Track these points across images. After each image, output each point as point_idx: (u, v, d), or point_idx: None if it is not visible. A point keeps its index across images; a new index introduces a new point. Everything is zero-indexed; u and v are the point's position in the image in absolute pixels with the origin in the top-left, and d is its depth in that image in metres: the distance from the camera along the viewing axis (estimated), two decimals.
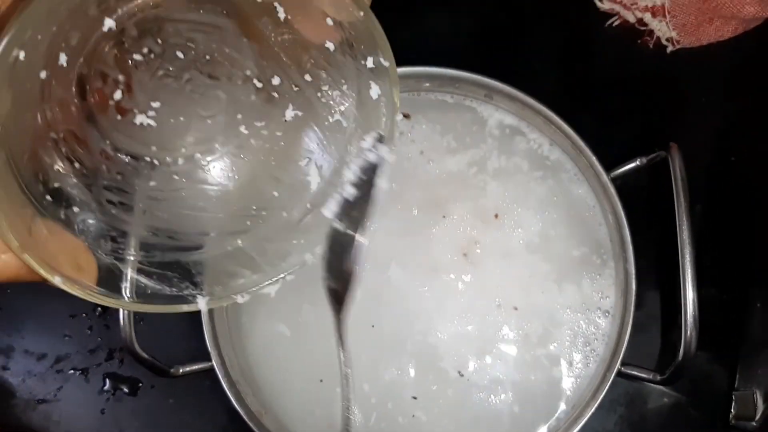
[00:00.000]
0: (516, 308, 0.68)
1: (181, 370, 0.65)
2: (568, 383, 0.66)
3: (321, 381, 0.69)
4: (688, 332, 0.57)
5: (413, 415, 0.67)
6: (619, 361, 0.62)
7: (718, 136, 0.79)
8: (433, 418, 0.67)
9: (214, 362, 0.65)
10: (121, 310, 0.59)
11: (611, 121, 0.80)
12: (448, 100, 0.74)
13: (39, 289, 0.80)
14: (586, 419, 0.61)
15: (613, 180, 0.65)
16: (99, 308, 0.81)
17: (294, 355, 0.70)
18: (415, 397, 0.67)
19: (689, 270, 0.58)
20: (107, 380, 0.79)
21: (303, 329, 0.70)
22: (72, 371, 0.80)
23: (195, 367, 0.65)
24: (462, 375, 0.67)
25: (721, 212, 0.76)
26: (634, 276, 0.64)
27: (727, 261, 0.74)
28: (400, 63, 0.72)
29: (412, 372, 0.68)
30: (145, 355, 0.61)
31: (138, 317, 0.64)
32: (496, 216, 0.69)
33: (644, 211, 0.71)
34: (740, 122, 0.80)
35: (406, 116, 0.73)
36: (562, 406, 0.66)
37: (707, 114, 0.80)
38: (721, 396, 0.70)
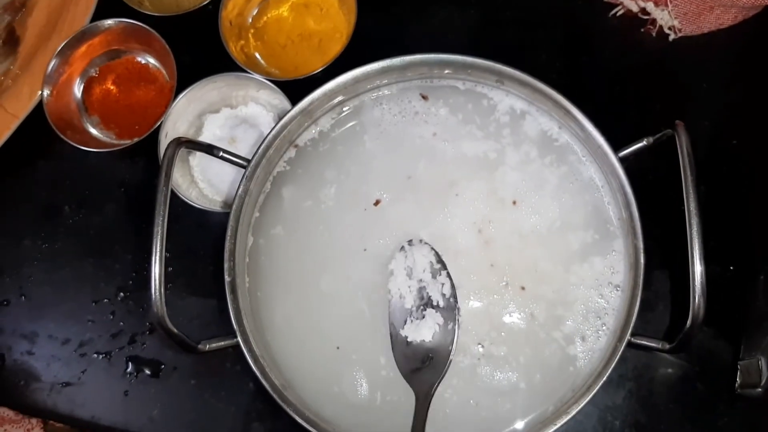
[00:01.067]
0: (528, 287, 0.70)
1: (208, 346, 0.67)
2: (580, 356, 0.68)
3: (338, 348, 0.72)
4: (696, 300, 0.59)
5: None
6: (629, 332, 0.64)
7: (720, 121, 0.82)
8: (449, 393, 0.69)
9: (239, 338, 0.67)
10: (152, 289, 0.61)
11: (616, 108, 0.83)
12: (459, 87, 0.76)
13: (61, 276, 0.83)
14: (597, 389, 0.63)
15: (621, 160, 0.68)
16: (121, 294, 0.83)
17: (311, 326, 0.73)
18: None
19: (696, 240, 0.60)
20: (130, 363, 0.81)
21: (319, 299, 0.73)
22: (95, 355, 0.82)
23: (221, 343, 0.67)
24: (480, 349, 0.69)
25: (724, 193, 0.79)
26: (642, 250, 0.66)
27: (730, 239, 0.77)
28: (413, 52, 0.75)
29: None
30: (176, 330, 0.63)
31: None
32: (514, 203, 0.72)
33: (651, 190, 0.73)
34: (741, 107, 0.83)
35: (424, 97, 0.76)
36: (575, 379, 0.68)
37: (709, 99, 0.83)
38: (726, 368, 0.72)
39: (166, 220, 0.62)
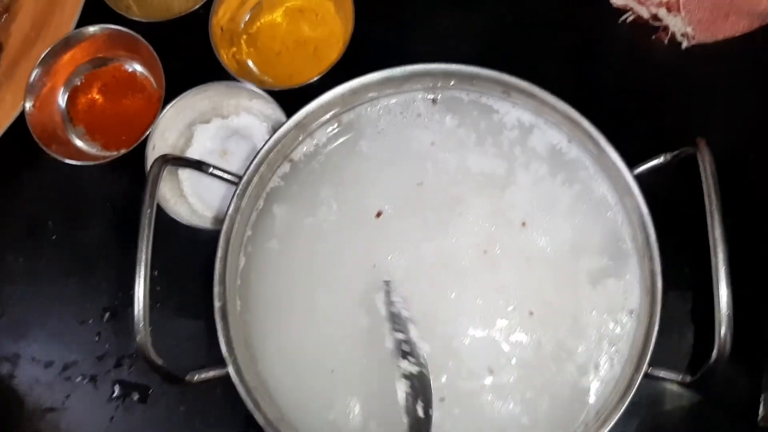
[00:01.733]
0: (537, 311, 0.67)
1: (195, 377, 0.63)
2: (593, 386, 0.64)
3: (332, 372, 0.68)
4: (723, 333, 0.56)
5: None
6: (646, 363, 0.61)
7: (735, 133, 0.78)
8: (448, 425, 0.66)
9: (230, 369, 0.63)
10: (135, 315, 0.57)
11: (627, 118, 0.78)
12: (463, 98, 0.72)
13: (45, 294, 0.79)
14: (613, 422, 0.60)
15: (636, 178, 0.64)
16: (107, 314, 0.79)
17: (304, 347, 0.69)
18: (442, 399, 0.66)
19: (722, 269, 0.56)
20: (117, 387, 0.77)
21: (314, 318, 0.70)
22: (80, 378, 0.78)
23: (210, 374, 0.64)
24: (485, 379, 0.66)
25: (740, 210, 0.75)
26: (660, 275, 0.62)
27: (747, 259, 0.73)
28: (415, 60, 0.72)
29: (443, 378, 0.66)
30: (159, 362, 0.59)
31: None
32: (524, 224, 0.68)
33: (664, 207, 0.69)
34: (758, 118, 0.79)
35: (433, 101, 0.72)
36: (588, 410, 0.64)
37: (723, 110, 0.79)
38: (745, 396, 0.69)
39: (150, 244, 0.59)
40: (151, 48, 0.78)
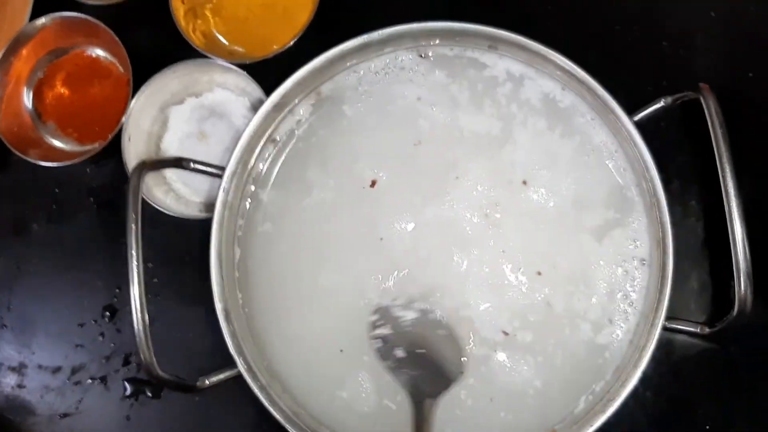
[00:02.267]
0: (545, 271, 0.65)
1: (207, 382, 0.62)
2: (609, 343, 0.63)
3: (341, 351, 0.66)
4: (743, 284, 0.54)
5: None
6: (662, 317, 0.59)
7: (732, 63, 0.74)
8: (463, 394, 0.64)
9: (241, 369, 0.62)
10: (137, 338, 0.55)
11: (622, 56, 0.74)
12: (447, 53, 0.68)
13: (41, 299, 0.77)
14: (633, 383, 0.58)
15: (637, 124, 0.61)
16: (107, 313, 0.77)
17: (310, 329, 0.68)
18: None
19: (737, 220, 0.54)
20: (128, 385, 0.76)
21: (319, 297, 0.68)
22: (90, 381, 0.77)
23: (221, 376, 0.62)
24: (499, 342, 0.64)
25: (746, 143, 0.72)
26: (669, 222, 0.60)
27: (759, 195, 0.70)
28: (392, 12, 0.67)
29: None
30: (167, 377, 0.58)
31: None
32: (524, 182, 0.65)
33: (669, 153, 0.66)
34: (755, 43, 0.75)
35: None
36: (606, 368, 0.63)
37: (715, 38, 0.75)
38: (763, 332, 0.67)
39: (141, 262, 0.56)
40: (109, 30, 0.74)
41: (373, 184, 0.68)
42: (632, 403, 0.68)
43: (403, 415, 0.62)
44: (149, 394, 0.76)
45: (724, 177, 0.54)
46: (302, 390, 0.66)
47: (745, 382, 0.69)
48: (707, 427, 0.69)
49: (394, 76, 0.69)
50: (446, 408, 0.61)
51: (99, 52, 0.79)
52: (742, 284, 0.54)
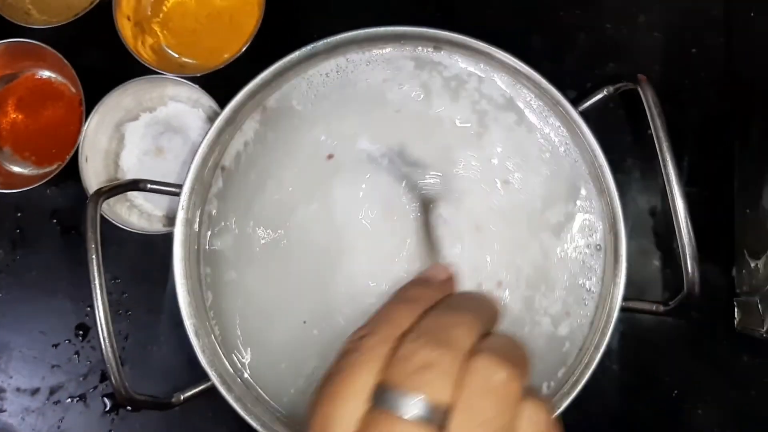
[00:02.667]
0: (505, 280, 0.65)
1: (182, 397, 0.63)
2: (570, 332, 0.64)
3: (304, 323, 0.66)
4: (689, 270, 0.56)
5: None
6: (620, 298, 0.61)
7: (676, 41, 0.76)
8: None
9: (214, 381, 0.63)
10: (108, 367, 0.56)
11: (565, 44, 0.76)
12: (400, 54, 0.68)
13: (13, 324, 0.78)
14: (594, 365, 0.60)
15: (582, 114, 0.62)
16: (80, 332, 0.78)
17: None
18: None
19: (681, 208, 0.55)
20: (107, 401, 0.77)
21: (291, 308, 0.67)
22: (69, 400, 0.78)
23: (195, 390, 0.63)
24: None
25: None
26: (619, 206, 0.61)
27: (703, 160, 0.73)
28: (337, 14, 0.68)
29: None
30: (141, 398, 0.59)
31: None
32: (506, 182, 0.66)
33: (615, 139, 0.68)
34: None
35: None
36: (571, 353, 0.64)
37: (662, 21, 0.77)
38: (720, 291, 0.70)
39: (105, 290, 0.56)
40: (56, 52, 0.74)
41: (330, 157, 0.68)
42: (602, 378, 0.71)
43: None
44: (129, 408, 0.77)
45: (665, 166, 0.55)
46: (278, 395, 0.67)
47: (704, 346, 0.72)
48: (675, 393, 0.72)
49: (351, 71, 0.69)
50: None
51: (49, 74, 0.79)
52: (689, 267, 0.56)
